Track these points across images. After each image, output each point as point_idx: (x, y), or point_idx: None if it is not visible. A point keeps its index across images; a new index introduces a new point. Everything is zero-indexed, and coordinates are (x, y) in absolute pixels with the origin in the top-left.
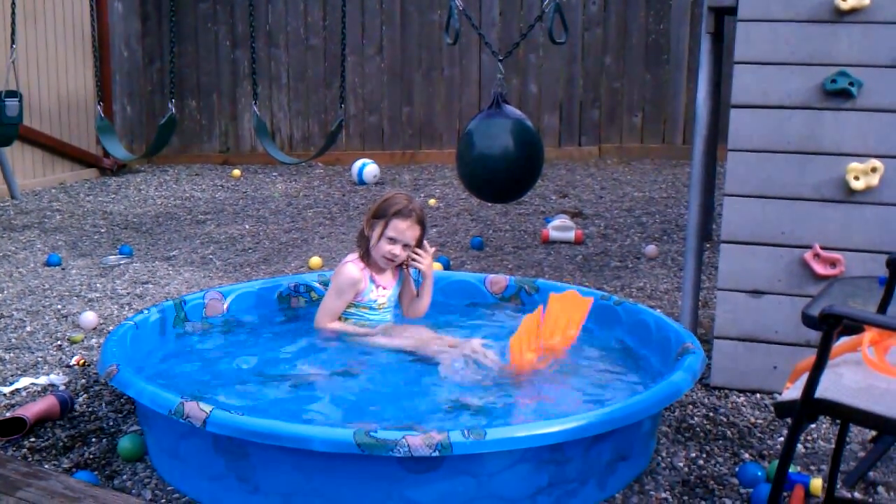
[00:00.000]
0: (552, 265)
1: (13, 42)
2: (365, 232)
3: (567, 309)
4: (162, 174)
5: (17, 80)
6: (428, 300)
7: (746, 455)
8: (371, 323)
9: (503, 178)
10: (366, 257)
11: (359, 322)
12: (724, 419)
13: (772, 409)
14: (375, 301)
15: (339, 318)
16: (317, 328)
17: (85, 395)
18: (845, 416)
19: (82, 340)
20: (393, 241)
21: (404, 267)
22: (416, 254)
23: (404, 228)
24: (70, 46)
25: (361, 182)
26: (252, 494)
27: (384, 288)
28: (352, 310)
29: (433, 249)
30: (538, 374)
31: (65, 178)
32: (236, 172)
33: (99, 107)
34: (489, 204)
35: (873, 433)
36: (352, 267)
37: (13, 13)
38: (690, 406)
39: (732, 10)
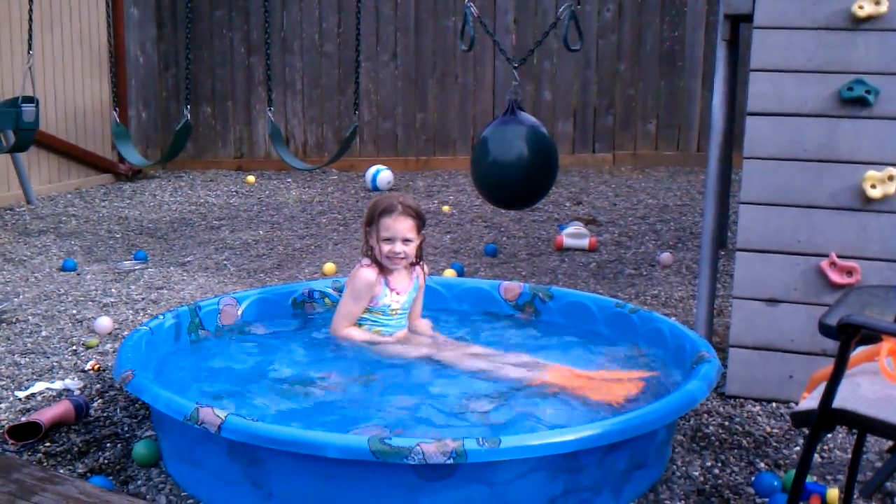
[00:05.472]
0: (566, 272)
1: (30, 48)
2: (368, 241)
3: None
4: (177, 180)
5: (34, 86)
6: (420, 304)
7: (762, 464)
8: (385, 329)
9: (517, 184)
10: (377, 263)
11: (373, 328)
12: (740, 428)
13: (788, 418)
14: (389, 306)
15: (354, 325)
16: (333, 334)
17: (100, 400)
18: (863, 426)
19: (97, 345)
20: (389, 240)
21: (419, 269)
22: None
23: (391, 223)
24: (86, 53)
25: (375, 188)
26: (266, 500)
27: (398, 293)
28: (366, 315)
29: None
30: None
31: (80, 184)
32: (251, 178)
33: (114, 112)
34: (503, 210)
35: (890, 443)
36: (367, 271)
37: (30, 20)
38: (706, 415)
39: (748, 18)
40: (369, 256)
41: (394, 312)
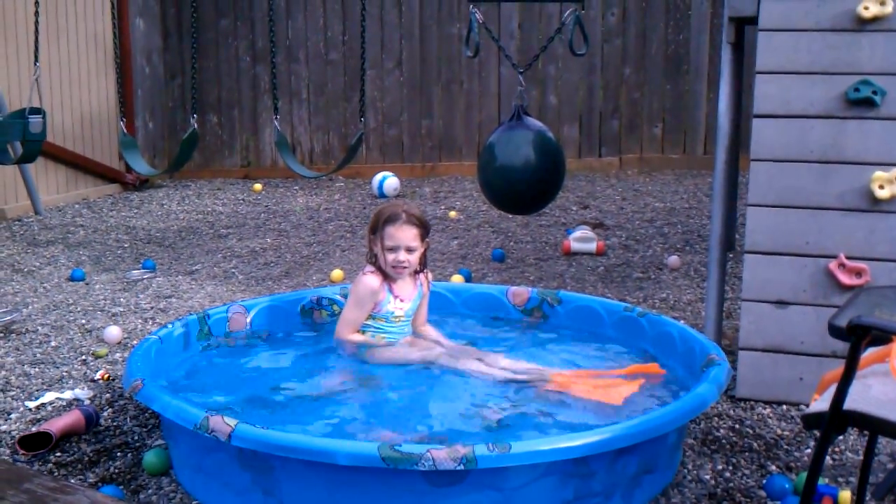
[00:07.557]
0: (574, 277)
1: (36, 59)
2: (372, 249)
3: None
4: (184, 189)
5: (41, 96)
6: (425, 311)
7: (773, 467)
8: (388, 336)
9: (525, 189)
10: (381, 271)
11: (376, 335)
12: (751, 431)
13: (798, 420)
14: (392, 313)
15: (358, 331)
16: (337, 340)
17: (110, 410)
18: (874, 427)
19: (107, 355)
20: (392, 248)
21: (423, 276)
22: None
23: (395, 232)
24: (92, 63)
25: (382, 195)
26: None
27: (402, 300)
28: (369, 321)
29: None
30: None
31: (88, 194)
32: (257, 186)
33: (121, 123)
34: (510, 216)
35: None
36: (371, 277)
37: (36, 31)
38: (716, 418)
39: (753, 20)
40: (373, 264)
41: (397, 319)
